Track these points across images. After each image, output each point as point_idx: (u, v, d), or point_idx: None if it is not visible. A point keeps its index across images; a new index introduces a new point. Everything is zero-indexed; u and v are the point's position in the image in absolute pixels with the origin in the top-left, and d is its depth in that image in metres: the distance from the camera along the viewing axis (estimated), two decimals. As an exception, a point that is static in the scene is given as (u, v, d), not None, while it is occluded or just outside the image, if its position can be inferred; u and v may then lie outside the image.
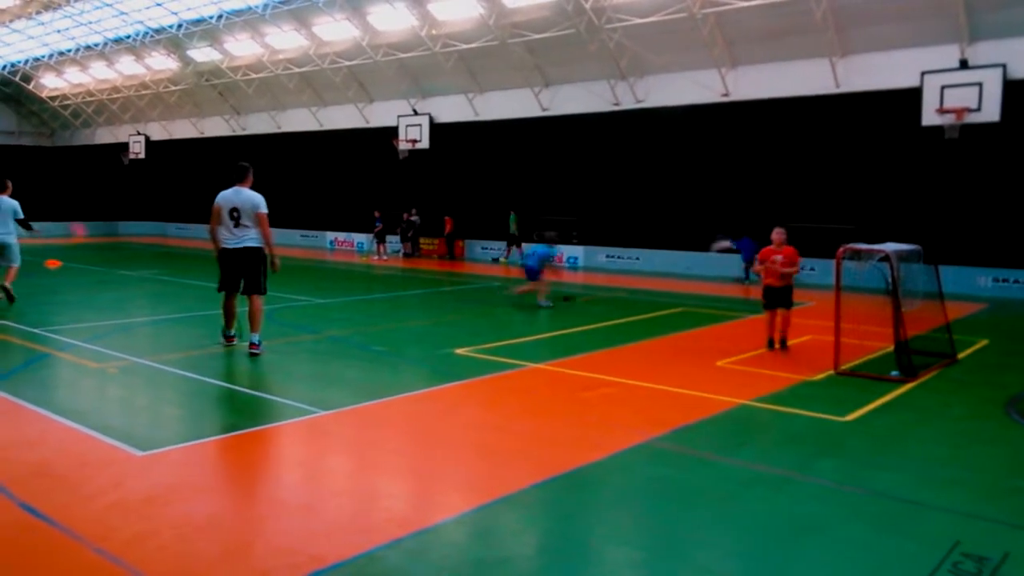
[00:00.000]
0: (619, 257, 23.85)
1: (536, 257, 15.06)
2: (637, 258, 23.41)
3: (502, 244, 26.56)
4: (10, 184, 14.37)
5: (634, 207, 23.57)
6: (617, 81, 23.39)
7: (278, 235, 33.26)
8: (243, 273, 9.56)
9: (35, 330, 11.17)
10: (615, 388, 8.35)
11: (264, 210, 9.50)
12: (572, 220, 25.00)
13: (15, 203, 14.09)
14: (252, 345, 9.58)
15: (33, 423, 6.70)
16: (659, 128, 22.96)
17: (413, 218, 28.19)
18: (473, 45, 24.67)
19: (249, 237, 9.47)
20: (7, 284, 13.84)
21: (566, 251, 25.02)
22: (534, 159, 25.87)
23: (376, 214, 27.32)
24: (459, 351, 10.20)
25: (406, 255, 28.06)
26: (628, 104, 23.45)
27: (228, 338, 10.08)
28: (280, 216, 33.63)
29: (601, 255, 24.34)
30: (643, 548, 4.64)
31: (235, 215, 9.40)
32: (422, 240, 28.69)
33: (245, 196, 9.47)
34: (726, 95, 21.57)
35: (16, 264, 14.10)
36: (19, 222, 14.19)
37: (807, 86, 20.12)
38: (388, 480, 5.78)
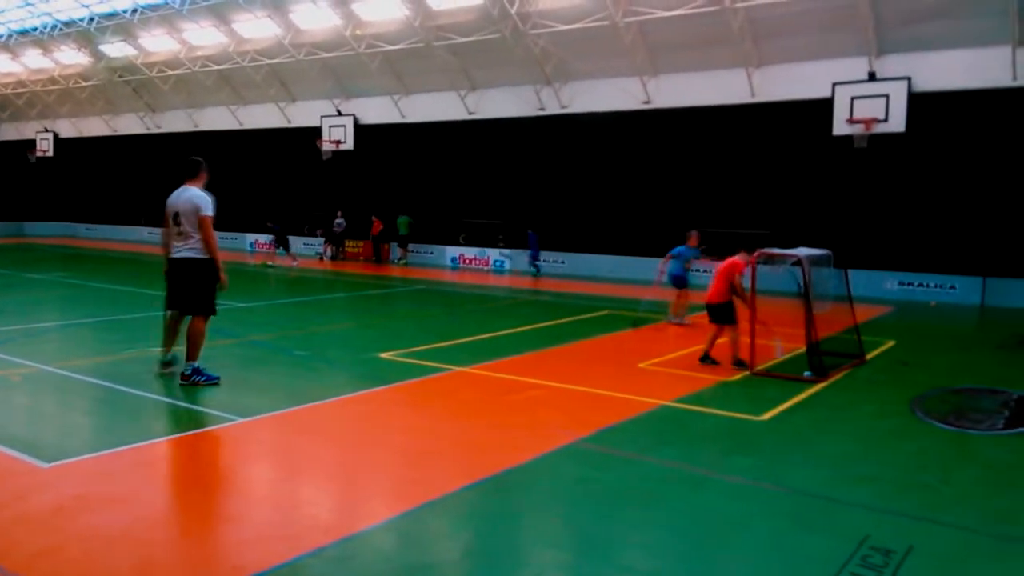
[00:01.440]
0: (545, 261, 24.03)
1: (679, 261, 13.14)
2: (562, 261, 23.64)
3: (429, 246, 26.50)
4: None
5: (560, 211, 23.79)
6: (542, 86, 23.58)
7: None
8: (180, 288, 8.30)
9: (-71, 336, 10.54)
10: (541, 391, 8.40)
11: (207, 212, 8.16)
12: (499, 224, 25.07)
13: None
14: (183, 376, 8.22)
15: (-73, 435, 6.31)
16: (583, 133, 23.25)
17: (338, 220, 27.72)
18: (398, 47, 24.48)
19: (188, 246, 8.16)
20: None
21: (492, 255, 25.08)
22: (461, 162, 25.84)
23: (269, 224, 25.51)
24: (384, 355, 10.09)
25: (331, 258, 27.60)
26: (553, 109, 23.67)
27: (163, 364, 8.64)
28: (198, 217, 32.67)
29: (526, 258, 24.47)
30: (570, 549, 4.68)
31: (178, 219, 8.18)
32: (348, 243, 28.27)
33: (186, 196, 8.20)
34: (647, 102, 22.01)
35: None
36: None
37: (725, 95, 20.71)
38: (311, 487, 5.67)
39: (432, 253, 26.60)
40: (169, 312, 8.56)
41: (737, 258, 9.85)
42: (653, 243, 21.96)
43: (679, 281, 13.30)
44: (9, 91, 37.66)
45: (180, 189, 8.34)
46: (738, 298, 9.84)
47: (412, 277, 22.01)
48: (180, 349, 8.49)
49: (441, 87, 25.56)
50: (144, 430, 6.84)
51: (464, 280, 21.76)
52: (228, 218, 31.41)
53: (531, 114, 24.06)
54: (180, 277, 8.26)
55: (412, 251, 26.90)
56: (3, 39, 33.24)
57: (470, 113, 25.33)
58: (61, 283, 18.22)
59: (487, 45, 22.98)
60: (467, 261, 25.65)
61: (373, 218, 27.16)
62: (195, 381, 8.17)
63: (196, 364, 8.25)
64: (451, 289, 19.55)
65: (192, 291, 8.26)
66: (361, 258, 27.66)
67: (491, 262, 25.06)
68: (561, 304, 16.41)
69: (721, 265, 10.02)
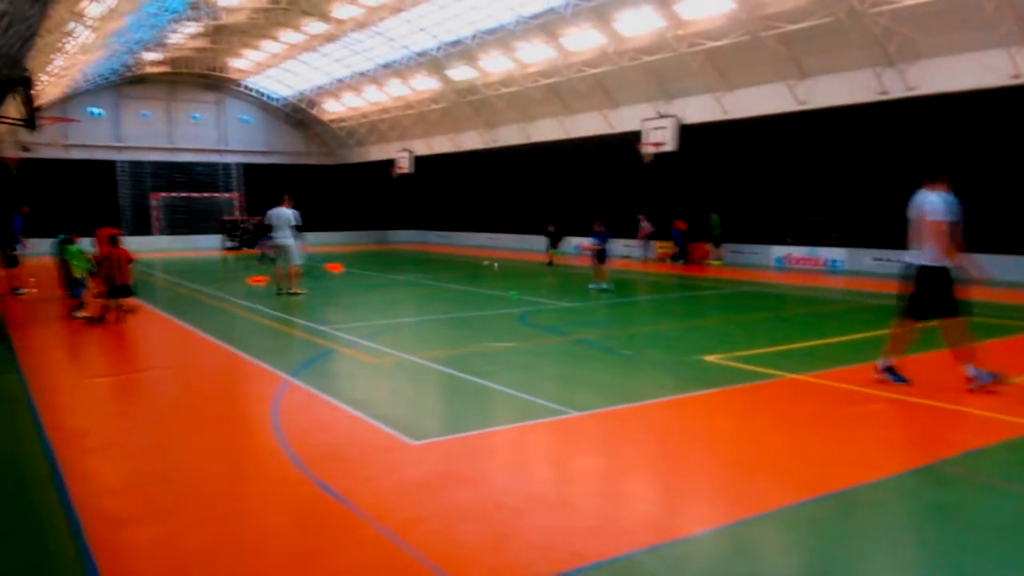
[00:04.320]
0: (888, 260, 21.83)
1: None
2: (903, 262, 21.27)
3: (752, 246, 25.60)
4: (289, 199, 16.85)
5: (906, 204, 21.46)
6: (884, 68, 21.47)
7: (525, 241, 34.75)
8: (921, 297, 8.08)
9: (322, 327, 12.57)
10: (888, 404, 7.64)
11: (935, 218, 7.80)
12: (832, 220, 23.36)
13: (290, 213, 16.74)
14: (967, 378, 7.96)
15: (325, 410, 7.54)
16: (934, 116, 20.71)
17: (643, 224, 28.17)
18: (722, 42, 23.95)
19: (924, 254, 8.02)
20: (293, 288, 16.68)
21: (824, 254, 23.45)
22: (788, 156, 24.54)
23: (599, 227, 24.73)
24: (709, 358, 9.90)
25: (645, 259, 28.07)
26: (897, 92, 21.43)
27: (887, 371, 8.31)
28: (528, 222, 35.07)
29: (867, 257, 22.46)
30: (929, 582, 4.19)
31: (917, 226, 8.11)
32: (659, 244, 28.46)
33: (921, 202, 8.10)
34: (1017, 76, 18.96)
35: (296, 263, 16.44)
36: (295, 228, 16.77)
37: None
38: (641, 485, 5.75)
39: (756, 253, 25.60)
40: (902, 320, 8.31)
41: None
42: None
43: None
44: (376, 117, 43.71)
45: (920, 194, 8.27)
46: None
47: (733, 278, 21.36)
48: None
49: (767, 79, 24.51)
50: (488, 417, 7.48)
51: (792, 281, 20.58)
52: (552, 222, 33.38)
53: (870, 100, 22.04)
54: (920, 286, 8.09)
55: (734, 251, 26.20)
56: (371, 72, 38.66)
57: (800, 104, 23.92)
58: (418, 284, 20.68)
59: (820, 30, 21.54)
60: (795, 261, 24.26)
61: (675, 221, 27.13)
62: (981, 385, 7.86)
63: (976, 369, 7.96)
64: (777, 291, 18.60)
65: (931, 299, 8.01)
66: (669, 259, 27.66)
67: (823, 262, 23.43)
68: (907, 308, 14.78)
69: None
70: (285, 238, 16.57)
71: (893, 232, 21.68)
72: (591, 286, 18.12)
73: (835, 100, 22.96)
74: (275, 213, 16.77)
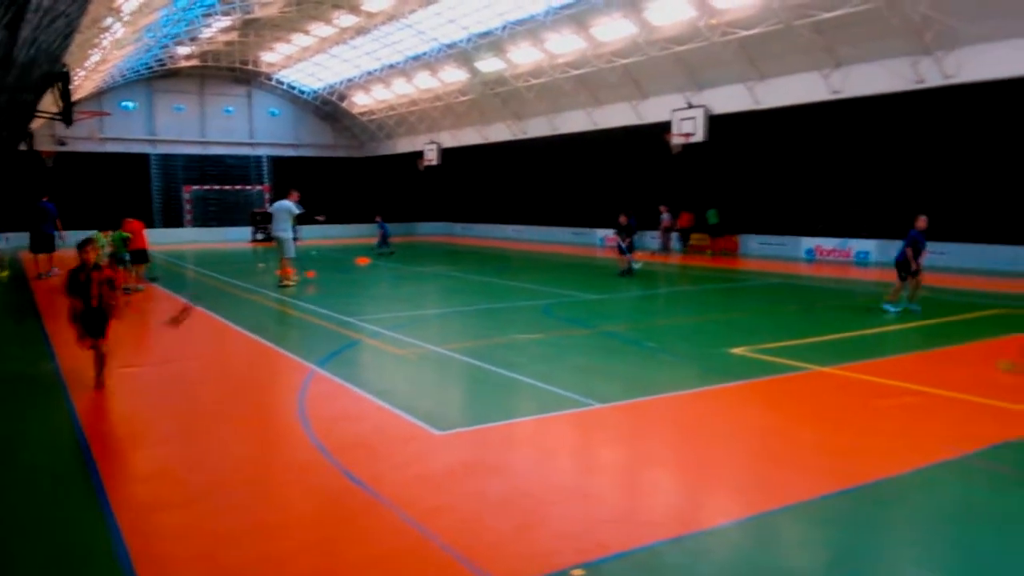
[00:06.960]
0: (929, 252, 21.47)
1: None
2: (943, 252, 20.91)
3: (780, 238, 25.38)
4: (295, 193, 16.96)
5: (940, 196, 21.08)
6: (921, 57, 21.08)
7: (551, 233, 34.71)
8: None
9: (348, 319, 12.68)
10: (917, 397, 7.55)
11: None
12: (863, 211, 23.03)
13: (291, 204, 16.85)
14: None
15: (351, 400, 7.62)
16: (972, 106, 20.31)
17: (664, 215, 28.07)
18: (755, 31, 23.65)
19: None
20: (289, 279, 16.80)
21: (854, 246, 23.14)
22: (821, 146, 24.21)
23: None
24: (734, 350, 9.85)
25: (666, 252, 27.97)
26: (934, 81, 21.02)
27: None
28: (553, 214, 35.01)
29: (897, 249, 22.09)
30: (954, 574, 4.15)
31: None
32: (694, 236, 28.31)
33: None
34: (1059, 63, 18.51)
35: (288, 256, 16.83)
36: (299, 218, 16.96)
37: None
38: (665, 477, 5.75)
39: (784, 244, 25.34)
40: None
41: None
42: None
43: None
44: (404, 110, 43.84)
45: None
46: None
47: (761, 269, 21.16)
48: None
49: (800, 68, 24.19)
50: (512, 408, 7.51)
51: (820, 273, 20.35)
52: (579, 215, 33.32)
53: (906, 89, 21.66)
54: None
55: (762, 243, 26.05)
56: (400, 65, 38.75)
57: (833, 93, 23.56)
58: (443, 276, 20.75)
59: (856, 18, 21.18)
60: (825, 253, 23.96)
61: (682, 212, 27.61)
62: None
63: None
64: (805, 283, 18.41)
65: None
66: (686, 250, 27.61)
67: (853, 254, 23.12)
68: (942, 301, 14.56)
69: None
70: (280, 231, 16.73)
71: (930, 221, 21.34)
72: (889, 306, 13.15)
73: (870, 89, 22.60)
74: (276, 205, 17.05)
